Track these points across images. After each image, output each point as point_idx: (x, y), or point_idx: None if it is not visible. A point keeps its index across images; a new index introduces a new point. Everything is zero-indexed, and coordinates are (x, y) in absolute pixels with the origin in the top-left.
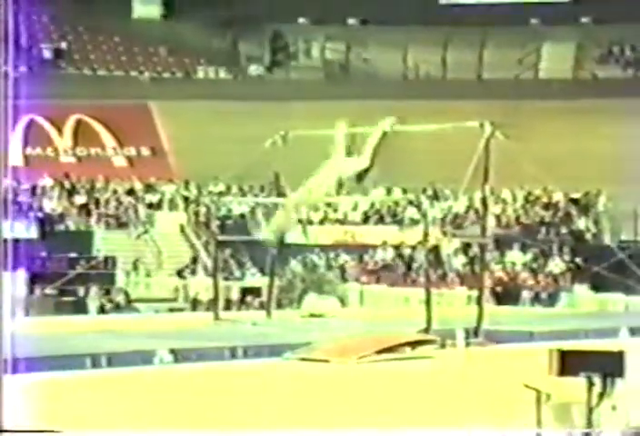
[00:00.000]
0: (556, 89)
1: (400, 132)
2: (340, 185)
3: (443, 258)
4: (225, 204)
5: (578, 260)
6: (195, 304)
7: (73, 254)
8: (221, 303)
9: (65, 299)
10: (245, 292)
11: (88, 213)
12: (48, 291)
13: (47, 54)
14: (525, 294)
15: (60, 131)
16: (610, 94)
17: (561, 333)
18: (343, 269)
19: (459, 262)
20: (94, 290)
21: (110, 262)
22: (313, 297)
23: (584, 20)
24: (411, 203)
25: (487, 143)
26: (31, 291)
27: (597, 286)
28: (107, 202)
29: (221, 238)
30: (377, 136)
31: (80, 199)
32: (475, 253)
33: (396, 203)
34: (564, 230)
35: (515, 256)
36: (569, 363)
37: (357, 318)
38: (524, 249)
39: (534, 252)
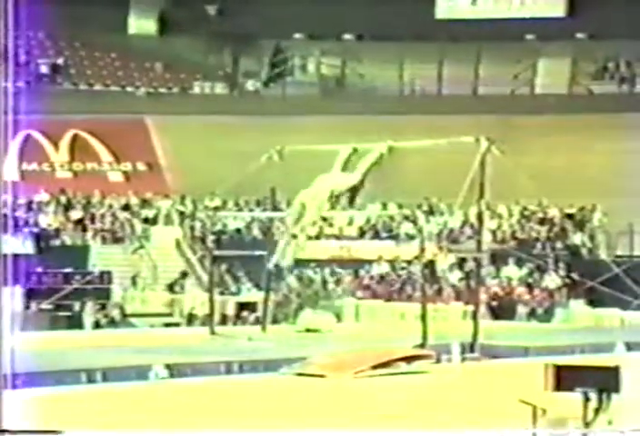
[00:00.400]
0: (552, 104)
1: (396, 147)
2: (334, 200)
3: (438, 273)
4: (220, 219)
5: (574, 275)
6: (190, 319)
7: (68, 269)
8: (216, 318)
9: (61, 314)
10: (241, 306)
11: (84, 228)
12: (44, 306)
13: (44, 70)
14: (521, 309)
15: (56, 146)
16: (605, 109)
17: (557, 348)
18: (338, 284)
19: (455, 277)
20: (89, 305)
21: (106, 276)
22: (308, 312)
23: (579, 36)
24: (407, 218)
25: (483, 158)
26: (26, 306)
27: (593, 301)
28: (103, 217)
29: (217, 253)
30: (374, 156)
31: (76, 214)
32: (471, 268)
33: (392, 218)
34: (559, 245)
35: (511, 271)
36: (565, 378)
37: (353, 333)
38: (519, 264)
39: (529, 267)
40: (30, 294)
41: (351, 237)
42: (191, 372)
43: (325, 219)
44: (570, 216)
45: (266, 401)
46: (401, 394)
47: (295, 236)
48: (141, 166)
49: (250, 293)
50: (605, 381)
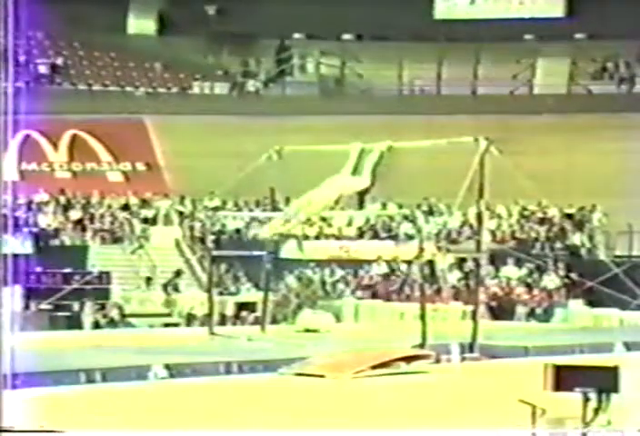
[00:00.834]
0: (551, 104)
1: (395, 147)
2: (337, 202)
3: (437, 273)
4: (219, 219)
5: (573, 275)
6: (189, 319)
7: (67, 269)
8: (216, 318)
9: (60, 314)
10: (240, 307)
11: (83, 229)
12: (43, 306)
13: (43, 70)
14: (520, 309)
15: (55, 146)
16: (605, 109)
17: (556, 348)
18: (336, 284)
19: (454, 277)
20: (88, 305)
21: (105, 277)
22: (308, 312)
23: (578, 36)
24: (406, 218)
25: (482, 158)
26: (26, 306)
27: (592, 301)
28: (102, 217)
29: (216, 253)
30: (376, 156)
31: (75, 214)
32: (470, 268)
33: (391, 219)
34: (558, 245)
35: (510, 271)
36: (564, 378)
37: (352, 333)
38: (518, 264)
39: (528, 267)
40: (29, 294)
41: (350, 237)
42: (190, 372)
43: (324, 219)
44: (569, 216)
45: (265, 401)
46: (400, 394)
47: (287, 221)
48: (140, 166)
49: (249, 293)
50: (604, 381)
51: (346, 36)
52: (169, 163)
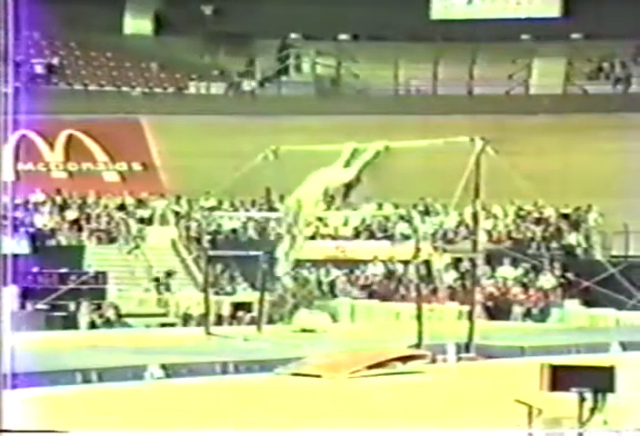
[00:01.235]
0: (547, 104)
1: (391, 147)
2: (329, 197)
3: (434, 273)
4: (215, 219)
5: (569, 275)
6: (185, 319)
7: (64, 269)
8: (212, 318)
9: (56, 314)
10: (237, 307)
11: (79, 229)
12: (39, 306)
13: (39, 70)
14: (517, 309)
15: (51, 146)
16: (600, 109)
17: (552, 348)
18: (333, 284)
19: (450, 277)
20: (84, 305)
21: (101, 277)
22: (304, 312)
23: (574, 36)
24: (402, 218)
25: (478, 158)
26: (22, 306)
27: (588, 301)
28: (98, 217)
29: (212, 253)
30: (370, 154)
31: (71, 214)
32: (467, 268)
33: (387, 219)
34: (555, 245)
35: (506, 271)
36: (560, 378)
37: (349, 333)
38: (515, 264)
39: (525, 267)
40: (25, 294)
41: (346, 237)
42: (186, 372)
43: (320, 219)
44: (565, 216)
45: (262, 401)
46: (396, 394)
47: (294, 238)
48: (136, 166)
49: (245, 293)
50: (600, 381)
51: (342, 36)
52: (165, 163)
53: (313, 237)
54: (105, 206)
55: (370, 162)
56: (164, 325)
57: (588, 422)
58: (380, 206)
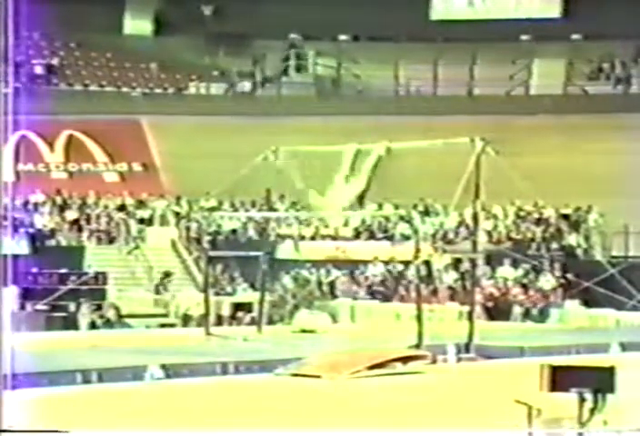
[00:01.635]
0: (547, 105)
1: (391, 148)
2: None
3: (434, 273)
4: (215, 220)
5: (569, 275)
6: (185, 320)
7: (64, 270)
8: (212, 319)
9: (56, 314)
10: (237, 307)
11: (79, 229)
12: (39, 306)
13: (39, 70)
14: (517, 310)
15: (51, 146)
16: (601, 110)
17: (552, 349)
18: (333, 285)
19: (450, 277)
20: (84, 305)
21: (101, 277)
22: (304, 313)
23: (574, 36)
24: (402, 218)
25: (478, 158)
26: (22, 306)
27: (588, 302)
28: (98, 217)
29: (212, 253)
30: (373, 159)
31: (71, 214)
32: (466, 269)
33: (387, 219)
34: (555, 245)
35: (506, 272)
36: (560, 379)
37: (348, 334)
38: (515, 264)
39: (525, 267)
40: (25, 295)
41: (346, 238)
42: (186, 373)
43: (320, 219)
44: (565, 217)
45: (262, 401)
46: (396, 395)
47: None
48: (136, 167)
49: (245, 294)
50: (600, 382)
51: (343, 37)
52: (165, 164)
53: (313, 238)
54: (105, 207)
55: (375, 166)
56: (164, 326)
57: (588, 423)
58: (380, 207)
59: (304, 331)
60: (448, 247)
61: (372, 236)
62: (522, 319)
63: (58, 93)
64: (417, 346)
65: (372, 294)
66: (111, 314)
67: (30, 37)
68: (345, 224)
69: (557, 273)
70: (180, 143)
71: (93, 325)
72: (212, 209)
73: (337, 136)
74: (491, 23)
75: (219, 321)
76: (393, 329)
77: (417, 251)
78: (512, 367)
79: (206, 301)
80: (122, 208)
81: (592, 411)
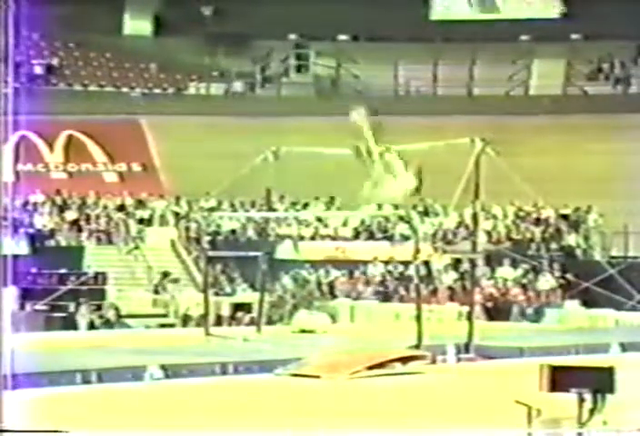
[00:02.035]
0: (547, 105)
1: (391, 149)
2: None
3: (433, 274)
4: (215, 220)
5: (569, 276)
6: (185, 320)
7: (63, 270)
8: (211, 319)
9: (56, 315)
10: (236, 307)
11: (79, 229)
12: (39, 306)
13: (38, 71)
14: (516, 310)
15: (51, 147)
16: (600, 110)
17: (552, 349)
18: (333, 285)
19: (450, 277)
20: (84, 306)
21: (100, 277)
22: (303, 313)
23: (574, 37)
24: (401, 218)
25: (478, 159)
26: (21, 306)
27: (588, 302)
28: (98, 217)
29: (211, 253)
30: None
31: (71, 215)
32: (466, 269)
33: (387, 219)
34: (554, 246)
35: (506, 272)
36: (560, 379)
37: (348, 334)
38: (514, 265)
39: (524, 267)
40: (25, 295)
41: (346, 238)
42: (186, 373)
43: (320, 219)
44: (565, 217)
45: (261, 401)
46: (396, 395)
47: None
48: (136, 167)
49: (245, 294)
50: (599, 382)
51: (342, 37)
52: (165, 164)
53: (312, 238)
54: (105, 207)
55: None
56: (163, 326)
57: (588, 423)
58: (380, 207)
59: (303, 331)
60: (448, 247)
61: (371, 236)
62: (521, 319)
63: (58, 93)
64: (417, 346)
65: (375, 294)
66: (110, 314)
67: (30, 37)
68: (345, 224)
69: (557, 274)
70: (180, 143)
71: (92, 325)
72: (211, 209)
73: (337, 136)
74: (490, 23)
75: (219, 321)
76: (392, 329)
77: (417, 251)
78: (511, 367)
79: (206, 301)
80: (121, 208)
81: (591, 411)
